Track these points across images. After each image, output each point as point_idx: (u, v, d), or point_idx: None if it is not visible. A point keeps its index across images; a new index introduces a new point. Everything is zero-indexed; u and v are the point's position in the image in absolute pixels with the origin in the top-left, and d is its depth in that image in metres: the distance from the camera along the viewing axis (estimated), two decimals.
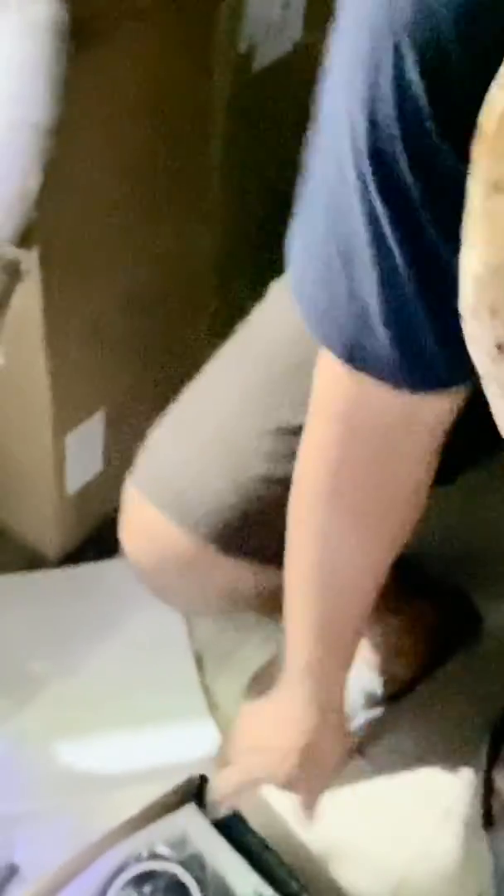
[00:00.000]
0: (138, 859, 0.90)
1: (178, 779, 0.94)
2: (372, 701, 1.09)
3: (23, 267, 0.76)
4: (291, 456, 0.74)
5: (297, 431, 0.73)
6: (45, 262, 0.87)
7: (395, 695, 1.11)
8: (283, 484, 0.75)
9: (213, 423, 0.88)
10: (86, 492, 1.17)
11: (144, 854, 0.90)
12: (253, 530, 0.84)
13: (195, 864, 0.90)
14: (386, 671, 1.10)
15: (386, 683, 1.10)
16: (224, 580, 0.89)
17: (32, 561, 1.21)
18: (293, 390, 0.79)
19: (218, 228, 1.08)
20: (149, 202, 0.97)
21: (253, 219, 1.12)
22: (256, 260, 1.18)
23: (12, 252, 0.74)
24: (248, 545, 0.85)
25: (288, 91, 1.06)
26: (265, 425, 0.84)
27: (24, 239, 0.76)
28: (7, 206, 0.73)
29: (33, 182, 0.73)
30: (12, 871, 0.95)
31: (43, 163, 0.72)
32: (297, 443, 0.72)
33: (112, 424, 1.14)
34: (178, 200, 1.01)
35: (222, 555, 0.85)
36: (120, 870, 0.90)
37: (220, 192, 1.05)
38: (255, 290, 1.21)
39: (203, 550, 0.85)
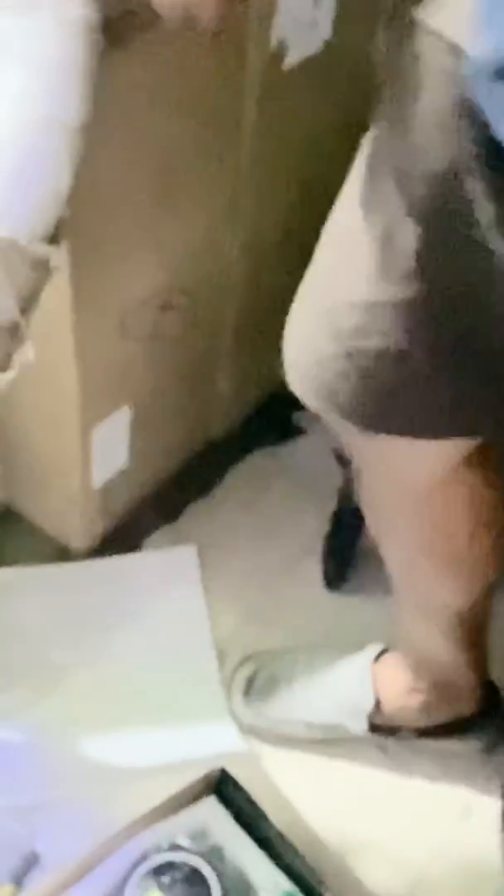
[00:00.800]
0: (158, 850, 0.91)
1: (198, 772, 0.94)
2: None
3: (52, 264, 0.77)
4: None
5: None
6: (74, 258, 0.88)
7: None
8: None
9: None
10: (111, 486, 1.18)
11: (165, 845, 0.91)
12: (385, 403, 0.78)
13: (214, 855, 0.91)
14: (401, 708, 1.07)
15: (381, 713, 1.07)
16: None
17: (58, 553, 1.22)
18: None
19: (247, 223, 1.09)
20: (178, 198, 0.98)
21: (281, 213, 1.13)
22: (284, 253, 1.19)
23: (42, 249, 0.75)
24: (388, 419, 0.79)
25: (318, 89, 1.07)
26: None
27: (54, 236, 0.76)
28: (39, 204, 0.74)
29: (65, 181, 0.74)
30: (33, 859, 0.96)
31: (74, 161, 0.72)
32: None
33: (137, 420, 1.14)
34: (207, 196, 1.01)
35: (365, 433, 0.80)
36: (140, 860, 0.91)
37: (249, 188, 1.05)
38: (283, 283, 1.22)
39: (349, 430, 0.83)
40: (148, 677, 1.10)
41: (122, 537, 1.25)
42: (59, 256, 0.77)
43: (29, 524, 1.23)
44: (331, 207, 0.77)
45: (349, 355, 0.76)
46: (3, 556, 1.21)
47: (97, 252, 0.91)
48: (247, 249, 1.12)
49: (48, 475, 1.17)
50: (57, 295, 0.90)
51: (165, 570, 1.22)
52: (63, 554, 1.22)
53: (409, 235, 0.68)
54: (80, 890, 0.89)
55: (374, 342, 0.74)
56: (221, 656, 1.14)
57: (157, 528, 1.27)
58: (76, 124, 0.72)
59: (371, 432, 0.80)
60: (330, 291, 0.79)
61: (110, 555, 1.23)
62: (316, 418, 1.36)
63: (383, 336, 0.73)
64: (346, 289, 0.75)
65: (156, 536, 1.26)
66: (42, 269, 0.77)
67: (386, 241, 0.70)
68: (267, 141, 1.04)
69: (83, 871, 0.90)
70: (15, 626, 1.14)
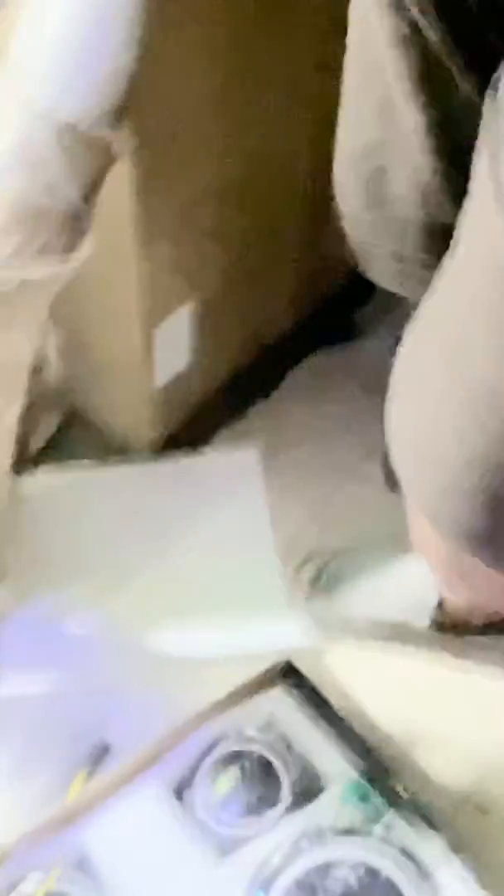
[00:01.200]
0: (226, 740, 0.92)
1: (264, 665, 0.95)
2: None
3: (114, 150, 0.76)
4: None
5: None
6: (137, 147, 0.86)
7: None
8: None
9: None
10: (173, 386, 1.18)
11: (232, 735, 0.93)
12: None
13: (282, 745, 0.92)
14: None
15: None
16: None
17: (122, 454, 1.23)
18: None
19: (314, 114, 1.06)
20: (244, 78, 0.95)
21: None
22: None
23: (104, 134, 0.74)
24: None
25: None
26: None
27: (117, 120, 0.75)
28: (99, 85, 0.72)
29: (126, 60, 0.72)
30: (104, 749, 0.98)
31: (136, 40, 0.71)
32: None
33: (200, 318, 1.14)
34: (273, 75, 0.99)
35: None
36: (208, 750, 0.92)
37: (316, 76, 1.03)
38: None
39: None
40: (212, 575, 1.11)
41: (184, 438, 1.25)
42: (122, 142, 0.76)
43: (94, 425, 1.24)
44: None
45: None
46: (70, 457, 1.22)
47: (160, 139, 0.90)
48: (314, 136, 1.09)
49: (112, 375, 1.17)
50: (118, 185, 0.89)
51: (228, 470, 1.22)
52: (127, 455, 1.23)
53: None
54: (150, 779, 0.91)
55: None
56: (284, 556, 1.14)
57: (219, 428, 1.27)
58: (137, 1, 0.70)
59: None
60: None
61: (173, 455, 1.23)
62: (379, 319, 1.36)
63: None
64: None
65: (218, 437, 1.26)
66: (104, 155, 0.76)
67: None
68: (335, 18, 1.01)
69: (152, 760, 0.91)
70: (83, 524, 1.16)
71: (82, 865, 0.87)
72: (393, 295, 0.91)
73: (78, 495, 1.19)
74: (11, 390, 0.85)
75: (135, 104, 0.74)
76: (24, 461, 1.18)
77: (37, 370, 1.05)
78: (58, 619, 1.08)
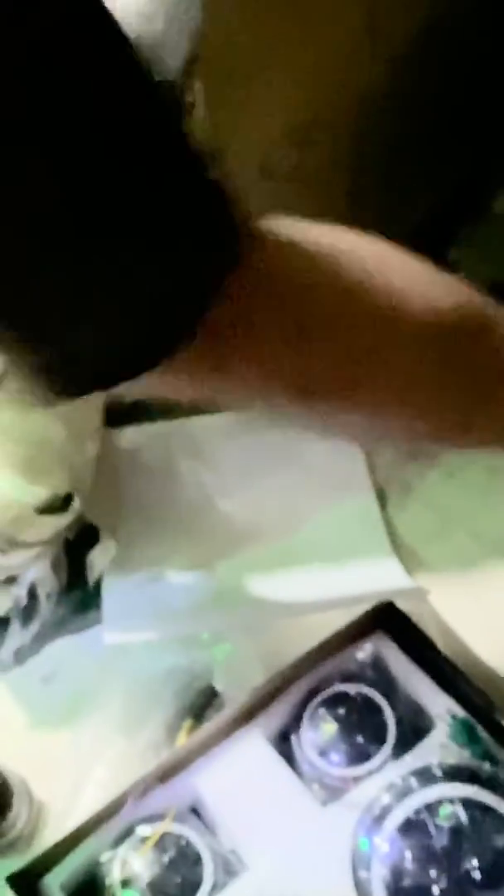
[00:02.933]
0: (331, 682, 0.93)
1: (365, 607, 0.95)
2: None
3: (188, 101, 0.75)
4: None
5: None
6: (208, 95, 0.86)
7: None
8: None
9: None
10: None
11: (337, 677, 0.93)
12: None
13: (387, 685, 0.92)
14: None
15: None
16: None
17: (214, 405, 1.23)
18: None
19: (386, 41, 1.04)
20: (311, 19, 0.94)
21: (423, 26, 1.07)
22: (427, 74, 1.14)
23: (178, 86, 0.73)
24: None
25: None
26: None
27: (188, 73, 0.75)
28: (168, 39, 0.72)
29: (196, 14, 0.72)
30: (211, 694, 0.99)
31: None
32: None
33: None
34: (343, 13, 0.97)
35: None
36: (313, 693, 0.93)
37: (386, 10, 1.00)
38: (425, 113, 1.17)
39: None
40: (310, 518, 1.12)
41: None
42: (193, 92, 0.75)
43: None
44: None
45: None
46: (162, 409, 1.22)
47: (231, 87, 0.89)
48: (391, 70, 1.07)
49: None
50: (192, 136, 0.89)
51: None
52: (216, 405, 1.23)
53: None
54: (257, 724, 0.92)
55: None
56: (381, 495, 1.14)
57: None
58: None
59: None
60: None
61: None
62: (470, 253, 1.33)
63: None
64: None
65: None
66: (178, 107, 0.75)
67: None
68: None
69: (259, 704, 0.92)
70: (178, 475, 1.17)
71: (195, 809, 0.88)
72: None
73: (171, 446, 1.20)
74: None
75: (203, 55, 0.73)
76: (116, 415, 1.19)
77: None
78: (158, 568, 1.09)
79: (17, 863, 0.84)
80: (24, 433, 0.88)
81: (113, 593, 1.07)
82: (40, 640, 1.06)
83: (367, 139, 1.12)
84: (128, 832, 0.86)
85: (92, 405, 0.91)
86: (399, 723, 0.90)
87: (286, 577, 1.07)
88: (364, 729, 0.90)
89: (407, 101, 1.13)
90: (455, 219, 1.35)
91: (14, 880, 0.83)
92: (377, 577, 1.06)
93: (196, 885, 0.83)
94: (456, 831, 0.82)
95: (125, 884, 0.84)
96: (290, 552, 1.09)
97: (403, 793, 0.84)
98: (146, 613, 1.06)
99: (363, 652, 0.94)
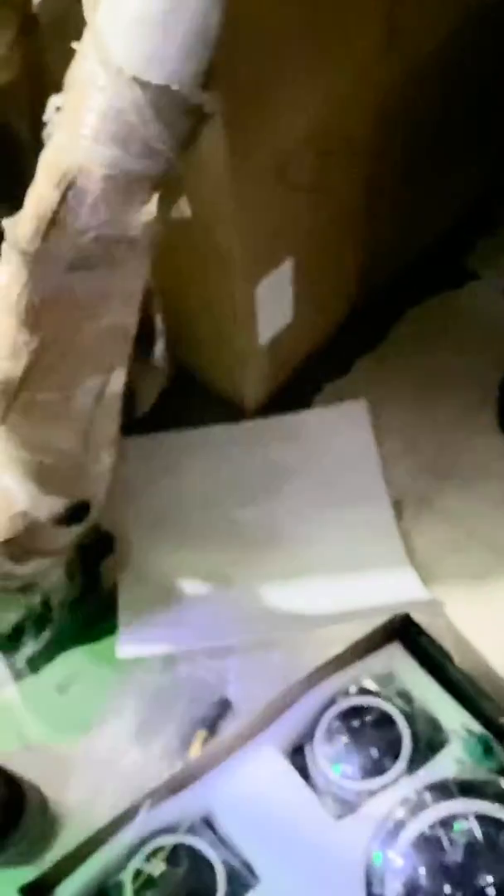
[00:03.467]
0: (346, 694, 0.92)
1: (382, 618, 0.95)
2: None
3: (207, 109, 0.75)
4: None
5: None
6: (228, 103, 0.85)
7: None
8: None
9: None
10: (277, 343, 1.18)
11: (352, 689, 0.93)
12: None
13: (402, 699, 0.92)
14: None
15: None
16: None
17: (229, 412, 1.23)
18: None
19: (406, 53, 1.04)
20: (332, 30, 0.93)
21: (443, 38, 1.07)
22: (447, 84, 1.13)
23: (196, 94, 0.73)
24: None
25: None
26: None
27: (207, 80, 0.74)
28: (188, 45, 0.71)
29: (215, 21, 0.71)
30: (225, 706, 0.99)
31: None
32: None
33: (300, 273, 1.13)
34: (364, 24, 0.97)
35: None
36: (328, 705, 0.92)
37: (407, 11, 1.00)
38: (447, 121, 1.17)
39: None
40: (326, 529, 1.11)
41: (291, 394, 1.24)
42: (214, 102, 0.75)
43: (200, 385, 1.24)
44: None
45: None
46: (178, 418, 1.22)
47: (251, 95, 0.89)
48: (409, 83, 1.07)
49: (215, 335, 1.17)
50: (212, 145, 0.89)
51: (337, 424, 1.21)
52: (234, 413, 1.23)
53: None
54: (270, 735, 0.91)
55: None
56: (398, 507, 1.13)
57: (324, 383, 1.26)
58: None
59: None
60: None
61: (280, 412, 1.23)
62: (489, 264, 1.33)
63: None
64: None
65: (325, 392, 1.25)
66: (196, 115, 0.75)
67: None
68: None
69: (273, 716, 0.92)
70: (193, 484, 1.16)
71: (208, 820, 0.88)
72: None
73: (186, 455, 1.20)
74: (117, 355, 0.86)
75: (224, 62, 0.73)
76: (132, 424, 1.18)
77: (151, 334, 1.06)
78: (173, 579, 1.09)
79: (30, 873, 0.84)
80: (41, 443, 0.87)
81: (128, 606, 1.07)
82: (54, 648, 1.06)
83: (385, 150, 1.12)
84: (141, 843, 0.86)
85: (109, 416, 0.90)
86: (414, 737, 0.90)
87: (302, 587, 1.07)
88: (379, 742, 0.90)
89: (424, 114, 1.13)
90: (472, 229, 1.35)
91: (26, 891, 0.82)
92: (393, 588, 1.06)
93: None
94: (470, 847, 0.81)
95: (137, 895, 0.83)
96: (305, 562, 1.09)
97: (418, 807, 0.84)
98: (161, 626, 1.06)
99: (379, 664, 0.94)
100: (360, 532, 1.10)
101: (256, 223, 1.01)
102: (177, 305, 1.16)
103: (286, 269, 1.10)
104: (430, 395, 1.23)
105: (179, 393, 1.25)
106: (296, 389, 1.25)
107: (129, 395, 0.93)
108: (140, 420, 1.21)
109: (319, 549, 1.09)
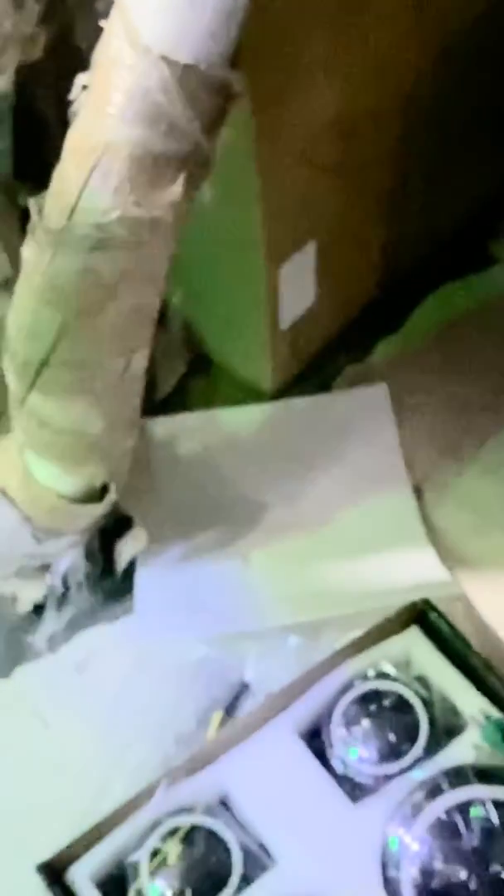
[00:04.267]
0: (364, 678, 0.92)
1: (402, 601, 0.95)
2: None
3: (234, 89, 0.75)
4: None
5: None
6: (254, 83, 0.85)
7: None
8: None
9: None
10: (299, 325, 1.17)
11: (370, 673, 0.92)
12: None
13: (420, 684, 0.92)
14: None
15: None
16: None
17: (250, 395, 1.23)
18: None
19: (434, 36, 1.03)
20: (360, 12, 0.93)
21: (471, 23, 1.07)
22: (476, 70, 1.13)
23: (223, 74, 0.73)
24: None
25: None
26: None
27: (234, 60, 0.74)
28: (215, 25, 0.71)
29: (242, 1, 0.71)
30: (242, 688, 0.99)
31: None
32: None
33: (324, 255, 1.12)
34: (392, 7, 0.96)
35: None
36: (346, 688, 0.92)
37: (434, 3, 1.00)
38: (474, 103, 1.16)
39: None
40: (346, 512, 1.11)
41: (311, 377, 1.24)
42: (241, 81, 0.75)
43: (221, 368, 1.24)
44: None
45: None
46: (198, 400, 1.22)
47: (278, 76, 0.89)
48: (436, 66, 1.06)
49: (237, 318, 1.17)
50: (239, 126, 0.88)
51: (357, 408, 1.21)
52: (254, 396, 1.23)
53: None
54: (288, 718, 0.91)
55: None
56: (418, 491, 1.13)
57: (346, 367, 1.25)
58: None
59: None
60: None
61: (301, 395, 1.23)
62: None
63: None
64: None
65: (345, 376, 1.25)
66: (223, 95, 0.75)
67: None
68: None
69: (290, 699, 0.92)
70: (213, 467, 1.16)
71: (225, 802, 0.88)
72: None
73: (207, 437, 1.19)
74: (140, 336, 0.86)
75: (251, 42, 0.72)
76: (153, 406, 1.19)
77: (165, 316, 1.06)
78: (191, 562, 1.09)
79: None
80: (62, 423, 0.88)
81: (146, 588, 1.07)
82: (73, 627, 1.06)
83: (412, 134, 1.11)
84: (157, 824, 0.86)
85: (131, 397, 0.90)
86: (432, 722, 0.90)
87: (321, 569, 1.07)
88: (396, 727, 0.90)
89: (451, 98, 1.12)
90: (495, 214, 1.35)
91: (43, 868, 0.83)
92: (412, 570, 1.05)
93: (224, 877, 0.83)
94: (487, 832, 0.81)
95: (153, 875, 0.83)
96: (325, 545, 1.08)
97: (435, 792, 0.84)
98: (179, 609, 1.06)
99: (397, 649, 0.94)
100: (380, 515, 1.10)
101: (281, 205, 1.01)
102: (199, 288, 1.16)
103: (310, 251, 1.10)
104: (451, 379, 1.22)
105: (200, 376, 1.25)
106: (317, 373, 1.25)
107: (150, 377, 0.93)
108: (160, 402, 1.22)
109: (339, 532, 1.09)
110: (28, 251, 0.79)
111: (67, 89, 0.78)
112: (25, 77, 0.98)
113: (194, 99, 0.72)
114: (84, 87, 0.76)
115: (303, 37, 0.89)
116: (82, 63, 0.77)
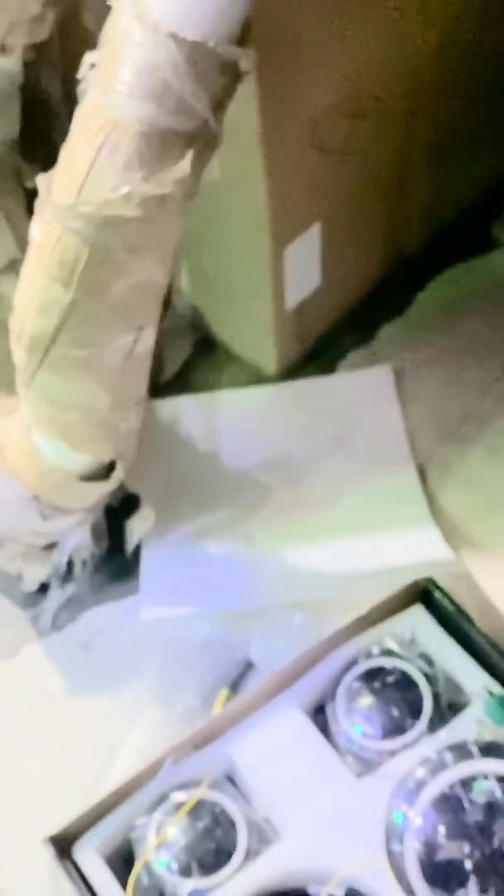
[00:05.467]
0: (368, 655, 0.93)
1: (405, 581, 0.95)
2: None
3: (241, 67, 0.75)
4: None
5: None
6: (262, 61, 0.85)
7: None
8: None
9: None
10: (304, 308, 1.18)
11: (375, 650, 0.93)
12: None
13: (424, 661, 0.92)
14: None
15: None
16: None
17: (254, 378, 1.23)
18: None
19: (441, 17, 1.03)
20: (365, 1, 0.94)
21: (479, 5, 1.07)
22: (481, 53, 1.13)
23: (231, 51, 0.73)
24: None
25: None
26: None
27: (242, 38, 0.74)
28: (224, 3, 0.71)
29: None
30: (247, 666, 1.00)
31: None
32: None
33: (329, 238, 1.13)
34: None
35: None
36: (350, 665, 0.93)
37: None
38: (480, 87, 1.16)
39: None
40: (350, 493, 1.11)
41: (316, 360, 1.25)
42: (248, 59, 0.75)
43: (225, 350, 1.25)
44: None
45: None
46: (202, 382, 1.23)
47: (285, 55, 0.89)
48: (441, 48, 1.06)
49: (243, 299, 1.17)
50: (244, 106, 0.89)
51: (362, 390, 1.21)
52: (259, 378, 1.23)
53: None
54: (293, 694, 0.92)
55: None
56: (422, 473, 1.13)
57: (351, 349, 1.26)
58: None
59: None
60: None
61: (306, 377, 1.23)
62: None
63: None
64: None
65: (350, 358, 1.25)
66: (231, 72, 0.75)
67: None
68: None
69: (295, 676, 0.93)
70: (218, 448, 1.17)
71: (230, 777, 0.89)
72: None
73: (212, 419, 1.20)
74: (147, 314, 0.86)
75: (259, 20, 0.73)
76: (159, 387, 1.19)
77: (170, 297, 1.06)
78: (197, 541, 1.10)
79: None
80: (70, 400, 0.88)
81: (151, 567, 1.08)
82: (78, 606, 1.06)
83: (417, 116, 1.12)
84: (163, 798, 0.87)
85: (138, 375, 0.91)
86: (435, 698, 0.90)
87: (325, 548, 1.07)
88: (400, 703, 0.90)
89: (456, 81, 1.12)
90: (500, 198, 1.35)
91: (51, 842, 0.84)
92: (417, 548, 1.06)
93: (230, 851, 0.84)
94: (490, 807, 0.82)
95: (159, 848, 0.84)
96: (329, 524, 1.09)
97: (438, 767, 0.84)
98: (184, 587, 1.06)
99: (402, 626, 0.94)
100: (385, 495, 1.11)
101: (287, 186, 1.01)
102: (204, 269, 1.16)
103: (315, 233, 1.10)
104: (455, 361, 1.23)
105: (205, 358, 1.26)
106: (321, 355, 1.25)
107: (156, 359, 0.94)
108: (166, 384, 1.22)
109: (344, 512, 1.10)
110: (36, 229, 0.80)
111: (74, 69, 0.78)
112: (32, 57, 0.99)
113: (202, 76, 0.72)
114: (92, 66, 0.77)
115: (309, 17, 0.89)
116: (89, 43, 0.77)
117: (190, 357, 1.25)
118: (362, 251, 1.22)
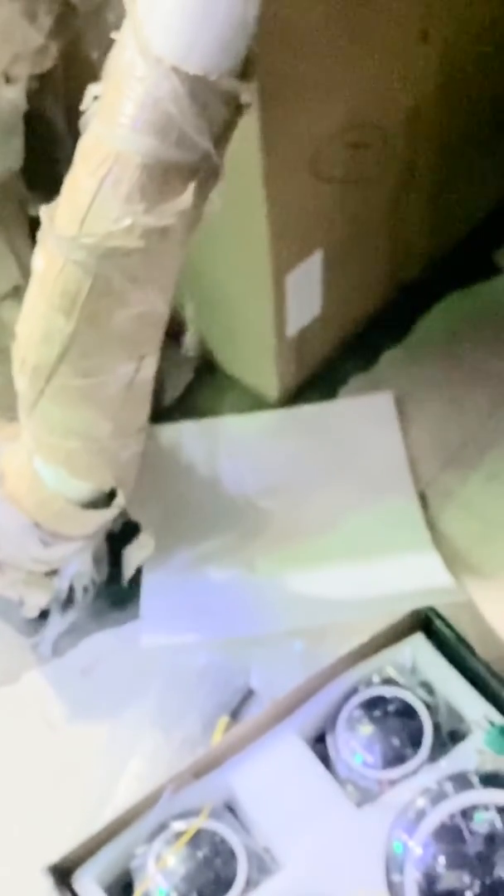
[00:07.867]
0: (369, 684, 0.93)
1: (406, 609, 0.95)
2: None
3: (243, 99, 0.76)
4: None
5: None
6: (263, 93, 0.86)
7: None
8: None
9: None
10: (305, 334, 1.18)
11: (375, 679, 0.93)
12: None
13: (424, 689, 0.92)
14: None
15: None
16: None
17: (254, 403, 1.23)
18: None
19: (441, 48, 1.04)
20: (368, 23, 0.94)
21: (477, 35, 1.08)
22: (481, 80, 1.14)
23: (232, 85, 0.74)
24: None
25: None
26: None
27: (244, 71, 0.75)
28: (225, 37, 0.72)
29: (252, 11, 0.72)
30: (247, 693, 0.99)
31: None
32: None
33: (330, 265, 1.13)
34: (399, 19, 0.97)
35: None
36: (350, 693, 0.93)
37: (442, 8, 1.00)
38: (480, 114, 1.17)
39: None
40: (351, 520, 1.11)
41: (317, 386, 1.25)
42: (250, 92, 0.75)
43: (226, 375, 1.25)
44: None
45: None
46: (203, 408, 1.23)
47: (286, 87, 0.89)
48: (441, 78, 1.07)
49: (244, 325, 1.17)
50: (246, 136, 0.89)
51: (363, 416, 1.21)
52: (260, 403, 1.23)
53: None
54: (293, 723, 0.92)
55: None
56: (423, 499, 1.13)
57: (352, 375, 1.26)
58: None
59: None
60: None
61: (307, 403, 1.23)
62: None
63: None
64: None
65: (351, 384, 1.25)
66: (233, 105, 0.75)
67: None
68: None
69: (295, 704, 0.92)
70: (219, 474, 1.17)
71: (230, 806, 0.89)
72: None
73: (213, 444, 1.20)
74: (149, 343, 0.87)
75: (260, 53, 0.73)
76: (160, 412, 1.19)
77: (171, 324, 1.06)
78: (197, 568, 1.10)
79: None
80: (71, 428, 0.88)
81: (152, 593, 1.08)
82: (79, 632, 1.06)
83: (419, 144, 1.12)
84: (163, 827, 0.87)
85: (139, 403, 0.91)
86: (436, 727, 0.90)
87: (326, 576, 1.07)
88: (400, 732, 0.90)
89: (457, 108, 1.13)
90: (501, 224, 1.35)
91: (51, 871, 0.83)
92: (418, 575, 1.06)
93: (229, 881, 0.84)
94: (491, 837, 0.81)
95: (159, 878, 0.84)
96: (330, 551, 1.09)
97: (439, 797, 0.84)
98: (185, 614, 1.06)
99: (402, 655, 0.94)
100: (386, 521, 1.11)
101: (288, 214, 1.01)
102: (206, 296, 1.17)
103: (316, 260, 1.11)
104: (457, 388, 1.23)
105: (207, 383, 1.26)
106: (323, 381, 1.25)
107: (158, 384, 0.94)
108: (167, 409, 1.22)
109: (344, 539, 1.10)
110: (39, 259, 0.80)
111: (78, 99, 0.79)
112: (36, 87, 1.00)
113: (204, 109, 0.73)
114: (96, 98, 0.77)
115: (310, 50, 0.89)
116: (93, 74, 0.78)
117: (192, 382, 1.25)
118: (363, 278, 1.23)
